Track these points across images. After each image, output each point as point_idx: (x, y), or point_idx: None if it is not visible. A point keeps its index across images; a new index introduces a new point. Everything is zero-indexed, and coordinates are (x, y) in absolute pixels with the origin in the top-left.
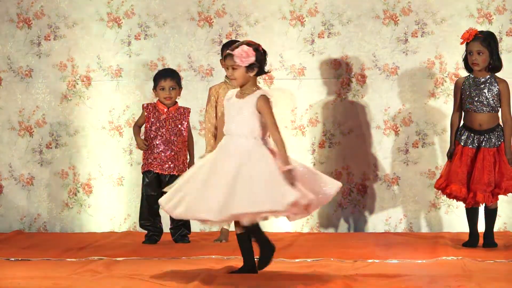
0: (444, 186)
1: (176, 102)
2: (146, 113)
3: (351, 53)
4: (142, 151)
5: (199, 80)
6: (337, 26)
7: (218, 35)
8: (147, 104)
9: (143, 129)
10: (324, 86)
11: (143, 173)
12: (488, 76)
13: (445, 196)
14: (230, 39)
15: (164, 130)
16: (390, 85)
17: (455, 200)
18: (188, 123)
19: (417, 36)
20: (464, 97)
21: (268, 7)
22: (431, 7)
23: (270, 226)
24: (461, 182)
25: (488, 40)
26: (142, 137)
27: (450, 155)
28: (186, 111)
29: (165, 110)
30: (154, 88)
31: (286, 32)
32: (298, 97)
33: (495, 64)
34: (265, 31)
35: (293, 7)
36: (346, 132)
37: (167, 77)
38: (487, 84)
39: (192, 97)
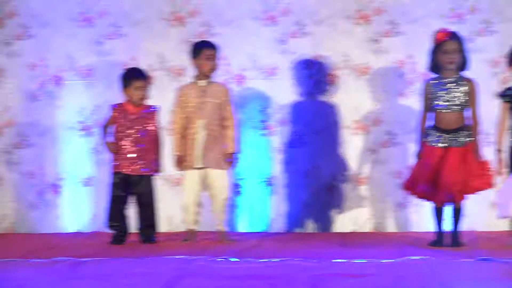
0: (413, 186)
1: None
2: (114, 114)
3: (323, 53)
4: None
5: (170, 80)
6: (310, 26)
7: (191, 35)
8: (115, 105)
9: (112, 129)
10: (295, 86)
11: (112, 173)
12: (457, 75)
13: (414, 196)
14: (201, 39)
15: (132, 130)
16: (362, 85)
17: (424, 199)
18: (156, 122)
19: (389, 36)
20: (433, 97)
21: (241, 7)
22: (404, 7)
23: (237, 226)
24: (429, 182)
25: (461, 39)
26: (111, 138)
27: (419, 156)
28: (154, 110)
29: (134, 110)
30: (125, 87)
31: (259, 32)
32: (270, 97)
33: (464, 63)
34: (237, 31)
35: (266, 7)
36: (316, 132)
37: (142, 77)
38: (456, 84)
39: (163, 97)
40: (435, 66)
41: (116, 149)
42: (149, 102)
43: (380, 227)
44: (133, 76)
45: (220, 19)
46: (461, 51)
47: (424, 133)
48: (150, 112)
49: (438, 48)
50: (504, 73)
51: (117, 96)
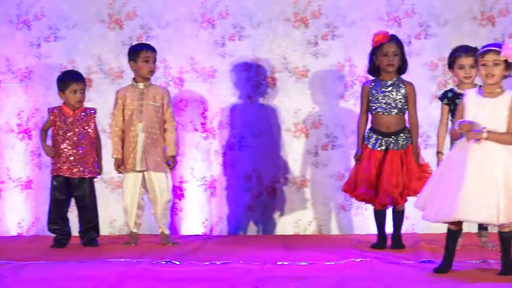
0: (353, 188)
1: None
2: (52, 118)
3: (262, 56)
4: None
5: (109, 82)
6: (248, 29)
7: (129, 38)
8: (53, 108)
9: (50, 133)
10: (234, 89)
11: (52, 176)
12: (395, 78)
13: (353, 198)
14: (140, 42)
15: (71, 133)
16: (301, 88)
17: (363, 202)
18: (95, 124)
19: (327, 39)
20: (372, 99)
21: (179, 9)
22: (342, 10)
23: (179, 229)
24: (370, 185)
25: (400, 42)
26: (50, 142)
27: (358, 158)
28: (92, 112)
29: (71, 113)
30: (62, 91)
31: (197, 35)
32: (209, 100)
33: (403, 66)
34: (176, 33)
35: (204, 9)
36: (256, 135)
37: (79, 80)
38: (395, 87)
39: (102, 100)
40: (374, 69)
41: (54, 153)
42: (88, 104)
43: (322, 230)
44: (70, 79)
45: (158, 22)
46: (400, 53)
47: (364, 136)
48: (88, 115)
49: (377, 51)
50: (443, 76)
51: (56, 98)
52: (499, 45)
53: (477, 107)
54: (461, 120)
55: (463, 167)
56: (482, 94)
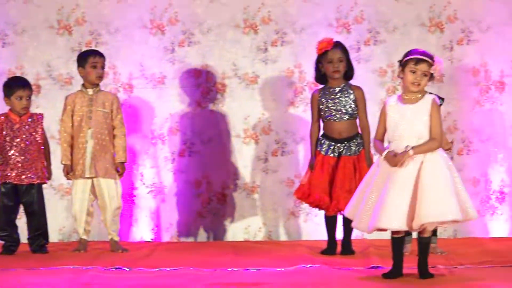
0: (307, 195)
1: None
2: None
3: (212, 62)
4: None
5: (58, 89)
6: (198, 35)
7: (78, 44)
8: None
9: None
10: (184, 95)
11: (0, 184)
12: (343, 84)
13: (306, 204)
14: (89, 48)
15: (19, 139)
16: (250, 94)
17: (317, 208)
18: (42, 129)
19: (277, 45)
20: (322, 107)
21: (128, 15)
22: (291, 16)
23: (129, 236)
24: (323, 191)
25: (345, 48)
26: None
27: (312, 166)
28: (39, 117)
29: (18, 119)
30: (8, 97)
31: (147, 41)
32: (158, 106)
33: (350, 72)
34: (125, 39)
35: (153, 16)
36: (206, 141)
37: (25, 87)
38: (343, 93)
39: (51, 106)
40: (321, 76)
41: (2, 160)
42: (37, 111)
43: (272, 236)
44: (16, 85)
45: (107, 28)
46: (345, 59)
47: (316, 143)
48: (35, 120)
49: (322, 58)
50: (392, 82)
51: (3, 105)
52: (431, 57)
53: (398, 115)
54: (386, 155)
55: (387, 177)
56: (402, 101)
